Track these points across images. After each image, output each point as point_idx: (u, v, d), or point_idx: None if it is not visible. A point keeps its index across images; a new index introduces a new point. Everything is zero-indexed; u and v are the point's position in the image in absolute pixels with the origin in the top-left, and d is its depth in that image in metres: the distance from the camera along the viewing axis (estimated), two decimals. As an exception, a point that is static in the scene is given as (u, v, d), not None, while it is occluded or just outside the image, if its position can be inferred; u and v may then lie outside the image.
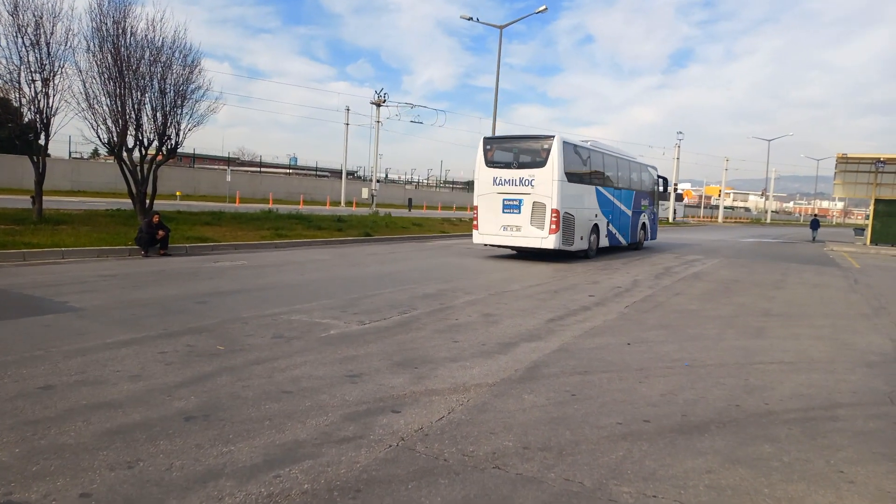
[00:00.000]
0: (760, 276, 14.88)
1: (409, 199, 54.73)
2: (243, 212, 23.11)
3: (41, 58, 14.29)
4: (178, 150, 17.78)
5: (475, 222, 16.43)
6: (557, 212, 15.13)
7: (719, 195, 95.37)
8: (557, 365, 5.83)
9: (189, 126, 16.92)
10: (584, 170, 16.90)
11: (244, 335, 6.39)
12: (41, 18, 14.15)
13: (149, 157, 16.57)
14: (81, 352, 5.42)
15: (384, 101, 56.88)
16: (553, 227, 15.15)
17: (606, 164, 18.54)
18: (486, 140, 16.53)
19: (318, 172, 68.34)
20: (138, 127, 15.87)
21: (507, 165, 16.01)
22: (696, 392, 5.18)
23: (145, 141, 16.27)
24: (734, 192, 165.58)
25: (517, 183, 15.53)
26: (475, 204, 16.41)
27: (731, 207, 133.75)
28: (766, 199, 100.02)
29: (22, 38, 14.05)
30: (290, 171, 67.98)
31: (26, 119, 15.20)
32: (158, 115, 16.05)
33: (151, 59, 15.60)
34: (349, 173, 56.64)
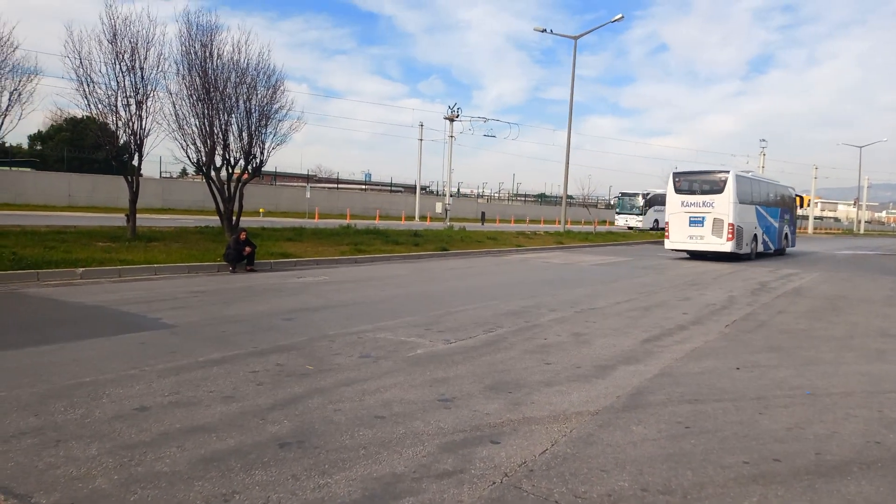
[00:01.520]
0: (867, 292, 13.73)
1: (483, 213, 54.54)
2: (323, 227, 23.54)
3: (136, 82, 15.03)
4: (262, 169, 18.28)
5: (667, 233, 22.44)
6: (733, 225, 20.78)
7: (808, 204, 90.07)
8: (662, 392, 5.39)
9: (273, 145, 17.43)
10: (748, 194, 22.33)
11: (332, 354, 6.28)
12: (137, 45, 14.90)
13: (235, 176, 17.11)
14: (175, 370, 5.44)
15: (457, 116, 57.20)
16: (730, 236, 20.77)
17: (762, 188, 24.20)
18: (675, 174, 22.47)
19: (393, 188, 69.33)
20: (225, 146, 16.43)
21: (692, 192, 21.85)
22: (826, 426, 4.64)
23: (232, 160, 16.82)
24: (821, 202, 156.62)
25: (700, 205, 21.44)
26: (667, 220, 22.58)
27: (820, 217, 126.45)
28: (859, 208, 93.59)
29: (119, 63, 14.82)
30: (366, 186, 69.29)
31: (122, 141, 15.99)
32: (244, 134, 16.58)
33: (237, 80, 16.15)
34: (422, 188, 57.11)
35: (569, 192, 40.23)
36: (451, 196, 47.84)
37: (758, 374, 6.19)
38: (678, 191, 22.10)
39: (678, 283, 14.31)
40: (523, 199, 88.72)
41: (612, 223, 64.87)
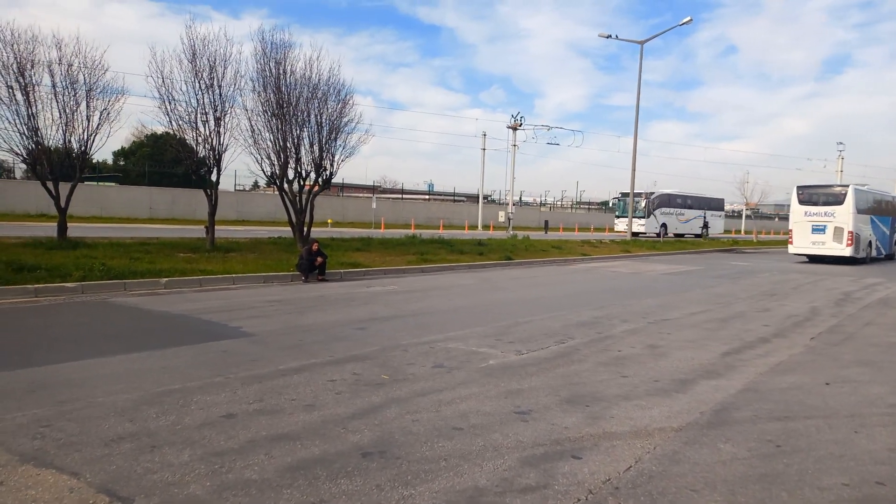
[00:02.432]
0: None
1: (546, 222, 53.99)
2: (389, 238, 23.86)
3: (214, 99, 15.71)
4: (331, 181, 18.74)
5: (790, 240, 25.91)
6: (852, 233, 23.97)
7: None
8: (749, 408, 5.18)
9: (342, 157, 17.85)
10: (864, 205, 25.26)
11: (405, 363, 6.34)
12: (214, 63, 15.58)
13: (306, 188, 17.60)
14: (257, 378, 5.61)
15: (520, 125, 57.01)
16: (849, 242, 24.00)
17: (876, 199, 27.12)
18: (799, 188, 25.67)
19: (456, 197, 69.67)
20: (297, 160, 16.96)
21: (815, 203, 25.04)
22: (932, 448, 4.34)
23: (303, 172, 17.32)
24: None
25: (822, 215, 24.67)
26: (790, 228, 25.96)
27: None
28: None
29: (198, 81, 15.53)
30: (429, 196, 69.90)
31: (200, 156, 16.71)
32: (315, 147, 17.06)
33: (309, 95, 16.64)
34: (484, 197, 57.14)
35: (635, 199, 39.34)
36: (513, 205, 47.67)
37: (849, 389, 5.87)
38: (801, 202, 25.40)
39: (755, 294, 13.75)
40: (587, 206, 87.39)
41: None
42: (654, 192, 45.00)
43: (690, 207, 48.37)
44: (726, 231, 58.72)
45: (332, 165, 17.60)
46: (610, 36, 33.27)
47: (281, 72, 16.38)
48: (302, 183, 17.54)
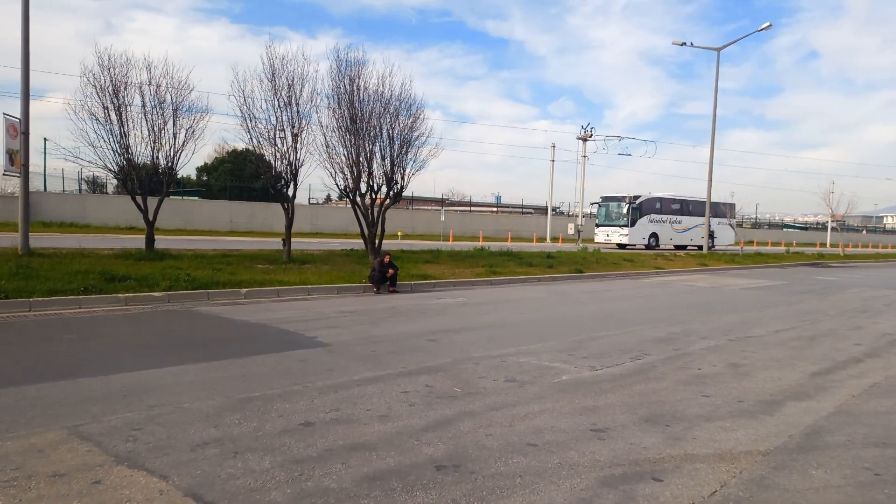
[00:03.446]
0: None
1: (617, 234, 52.80)
2: (458, 250, 23.96)
3: (291, 116, 16.30)
4: (402, 194, 19.03)
5: None
6: None
7: None
8: (842, 432, 4.87)
9: (412, 171, 18.10)
10: None
11: (477, 377, 6.32)
12: (293, 82, 16.18)
13: (377, 201, 17.94)
14: (333, 388, 5.73)
15: (590, 136, 56.19)
16: None
17: None
18: None
19: (524, 209, 69.26)
20: (370, 174, 17.33)
21: None
22: None
23: (375, 186, 17.67)
24: None
25: None
26: None
27: None
28: None
29: (277, 99, 16.16)
30: (497, 209, 69.79)
31: (278, 170, 17.33)
32: (387, 161, 17.40)
33: (381, 110, 17.01)
34: (553, 208, 56.53)
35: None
36: (583, 217, 46.95)
37: (959, 417, 5.42)
38: None
39: (845, 310, 12.97)
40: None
41: (758, 243, 59.72)
42: (639, 197, 38.62)
43: (690, 214, 41.55)
44: (744, 241, 52.08)
45: (402, 179, 17.89)
46: (684, 43, 32.42)
47: (355, 88, 16.83)
48: (374, 196, 17.90)
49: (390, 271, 13.54)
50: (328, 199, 51.75)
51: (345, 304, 11.55)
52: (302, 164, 16.81)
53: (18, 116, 14.16)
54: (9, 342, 7.48)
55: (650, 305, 13.33)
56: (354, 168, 16.99)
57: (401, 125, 17.40)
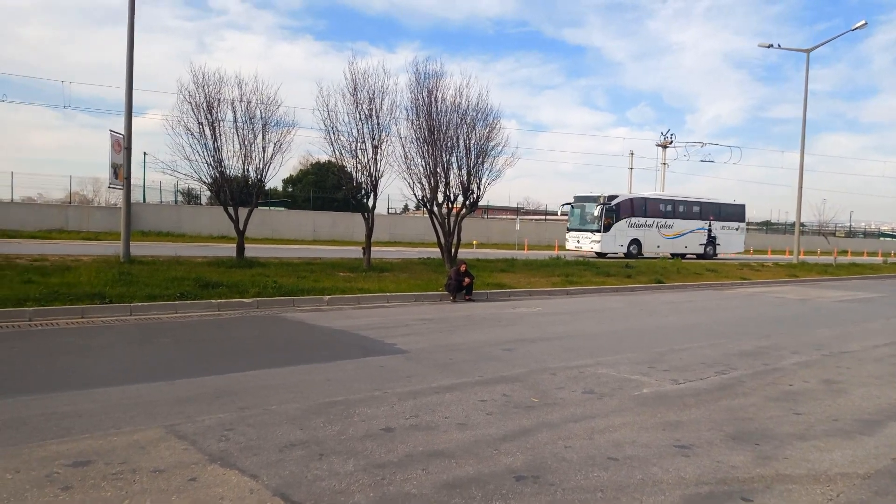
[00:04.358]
0: None
1: (700, 243, 50.81)
2: (533, 259, 23.80)
3: (372, 129, 16.72)
4: (478, 203, 19.13)
5: None
6: None
7: None
8: (954, 458, 4.52)
9: (488, 180, 18.17)
10: None
11: (554, 387, 6.28)
12: (373, 95, 16.62)
13: (454, 211, 18.12)
14: (412, 394, 5.84)
15: (671, 143, 54.58)
16: None
17: None
18: None
19: (602, 217, 67.89)
20: (447, 184, 17.53)
21: None
22: None
23: (451, 195, 17.85)
24: None
25: None
26: None
27: None
28: None
29: (359, 113, 16.63)
30: (573, 217, 68.72)
31: (358, 181, 17.80)
32: (463, 171, 17.55)
33: (458, 121, 17.19)
34: (634, 217, 55.08)
35: (802, 219, 34.24)
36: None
37: None
38: None
39: (958, 326, 11.98)
40: (746, 227, 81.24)
41: (853, 253, 55.78)
42: (616, 196, 32.48)
43: (684, 217, 35.37)
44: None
45: (478, 188, 17.99)
46: (771, 45, 31.02)
47: (432, 100, 17.09)
48: (450, 206, 18.08)
49: (466, 280, 13.63)
50: (405, 208, 52.61)
51: (422, 312, 11.72)
52: (381, 175, 17.21)
53: (122, 133, 15.24)
54: (112, 345, 8.05)
55: (735, 317, 12.79)
56: (432, 178, 17.24)
57: (477, 135, 17.52)
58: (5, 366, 6.64)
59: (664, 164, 56.30)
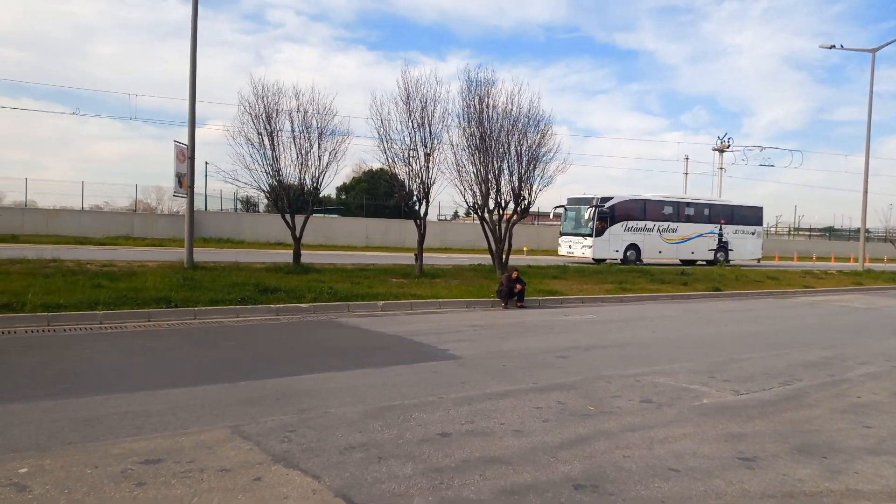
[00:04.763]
0: None
1: (759, 249, 49.17)
2: (585, 265, 23.55)
3: (424, 136, 16.92)
4: (529, 210, 19.09)
5: None
6: None
7: None
8: None
9: (540, 187, 18.13)
10: None
11: (610, 396, 6.22)
12: (426, 103, 16.82)
13: (505, 217, 18.13)
14: (467, 400, 5.88)
15: (728, 147, 53.14)
16: None
17: None
18: None
19: (655, 223, 66.54)
20: (498, 190, 17.58)
21: None
22: None
23: (502, 202, 17.88)
24: None
25: None
26: None
27: None
28: None
29: (411, 121, 16.86)
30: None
31: (410, 189, 18.02)
32: (514, 178, 17.57)
33: (510, 128, 17.23)
34: (689, 223, 53.76)
35: (867, 225, 32.58)
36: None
37: None
38: None
39: None
40: (807, 233, 78.19)
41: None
42: (611, 198, 30.06)
43: (690, 220, 32.57)
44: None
45: (529, 195, 17.99)
46: (833, 46, 29.89)
47: (484, 107, 17.20)
48: (501, 212, 18.09)
49: (518, 286, 13.60)
50: (455, 215, 52.77)
51: (474, 318, 11.76)
52: (433, 183, 17.39)
53: (186, 143, 15.86)
54: (179, 347, 8.38)
55: (798, 326, 12.36)
56: (483, 185, 17.31)
57: (528, 142, 17.54)
58: (81, 367, 7.02)
59: (721, 168, 54.83)
